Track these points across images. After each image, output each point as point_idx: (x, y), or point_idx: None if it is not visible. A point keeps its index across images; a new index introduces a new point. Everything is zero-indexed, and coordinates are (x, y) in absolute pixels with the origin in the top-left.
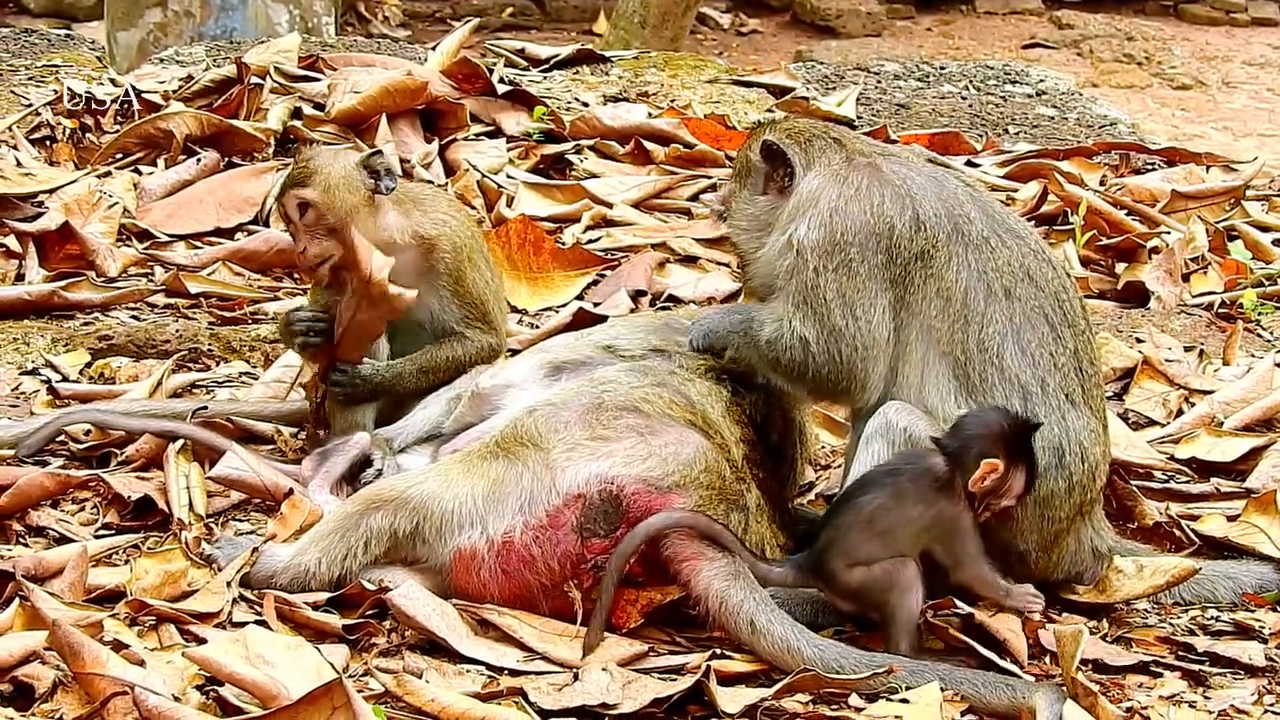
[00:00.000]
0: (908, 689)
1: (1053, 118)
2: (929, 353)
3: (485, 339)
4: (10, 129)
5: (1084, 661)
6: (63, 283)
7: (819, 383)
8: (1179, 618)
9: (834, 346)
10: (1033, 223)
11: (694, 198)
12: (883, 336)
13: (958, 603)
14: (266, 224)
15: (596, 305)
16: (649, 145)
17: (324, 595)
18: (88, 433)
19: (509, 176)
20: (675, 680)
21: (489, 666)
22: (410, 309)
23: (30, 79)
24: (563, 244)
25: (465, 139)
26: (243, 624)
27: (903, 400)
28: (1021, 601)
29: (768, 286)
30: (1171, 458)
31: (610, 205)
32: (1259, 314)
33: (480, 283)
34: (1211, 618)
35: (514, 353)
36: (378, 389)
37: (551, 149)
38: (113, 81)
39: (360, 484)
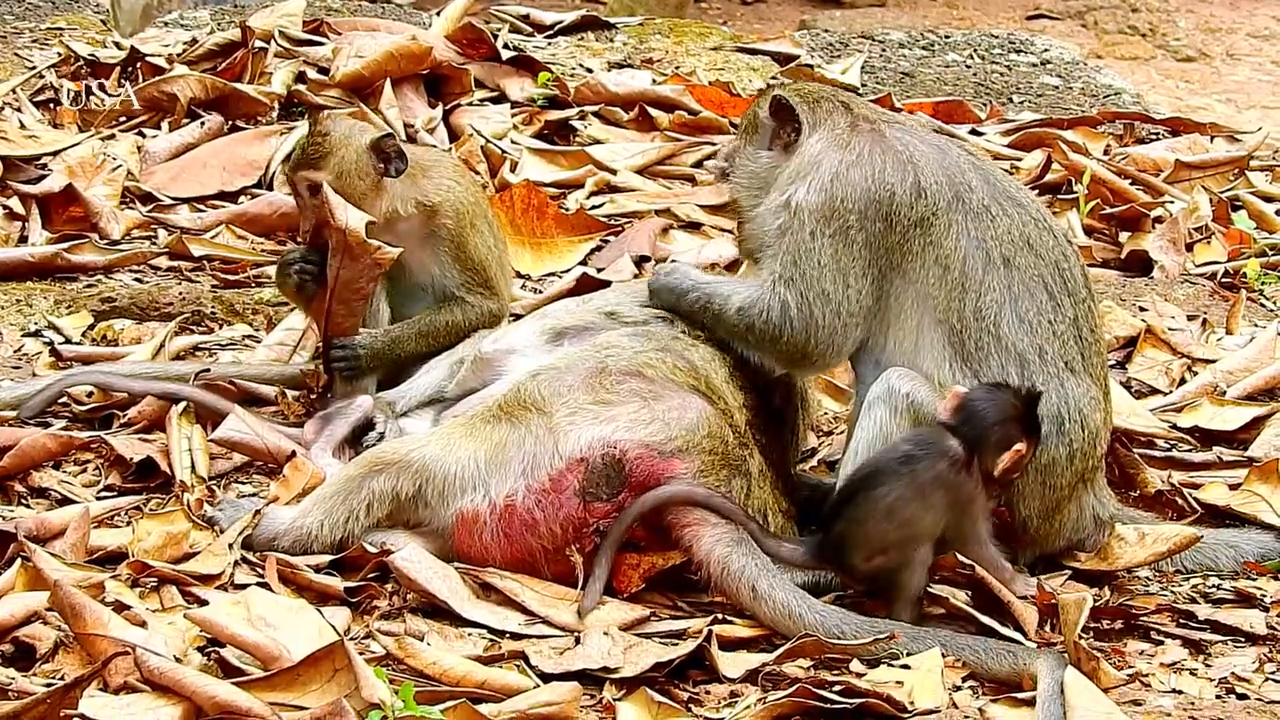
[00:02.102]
0: (909, 655)
1: (1057, 87)
2: (924, 320)
3: (486, 304)
4: (14, 91)
5: (1085, 628)
6: (66, 245)
7: (792, 348)
8: (1180, 585)
9: (818, 310)
10: (1036, 191)
11: (698, 164)
12: (867, 305)
13: (960, 559)
14: (270, 187)
15: (600, 271)
16: (653, 112)
17: (326, 558)
18: (90, 394)
19: (513, 142)
20: (676, 645)
21: (490, 630)
22: (411, 273)
23: (34, 41)
24: (566, 210)
25: (469, 104)
26: (244, 586)
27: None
28: (1021, 587)
29: (759, 245)
30: (1174, 426)
31: (614, 171)
32: (1262, 283)
33: (483, 248)
34: (1213, 586)
35: (517, 318)
36: (378, 356)
37: (556, 115)
38: (117, 44)
39: (363, 447)
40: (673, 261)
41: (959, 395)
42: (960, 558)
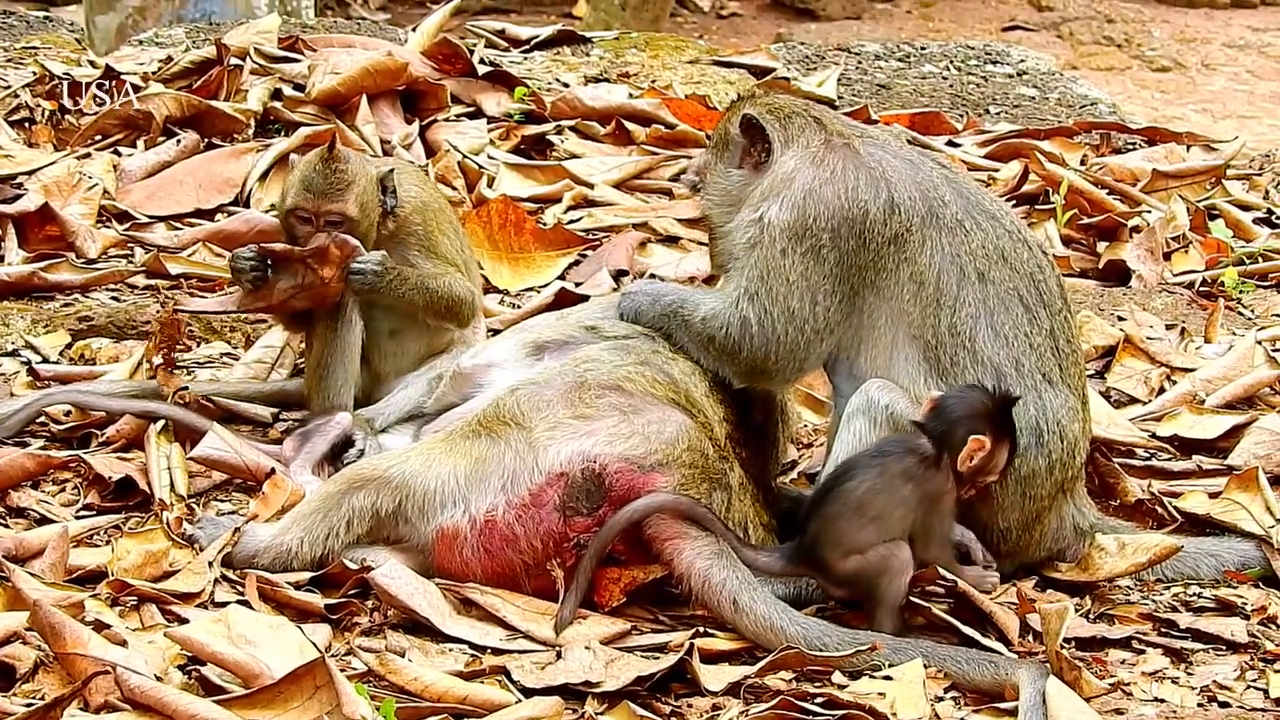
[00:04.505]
0: (891, 666)
1: (1033, 98)
2: (899, 336)
3: (465, 283)
4: None
5: (1067, 638)
6: (42, 264)
7: (752, 363)
8: (1161, 594)
9: (779, 327)
10: (1013, 202)
11: (675, 178)
12: (835, 322)
13: (943, 573)
14: (247, 205)
15: (578, 285)
16: (630, 126)
17: (306, 575)
18: (68, 414)
19: (490, 157)
20: (658, 658)
21: (472, 645)
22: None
23: (9, 61)
24: (544, 224)
25: (446, 120)
26: (225, 604)
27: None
28: (975, 579)
29: (729, 259)
30: (1153, 435)
31: (591, 185)
32: (1240, 292)
33: (452, 249)
34: (1194, 594)
35: (495, 332)
36: (389, 285)
37: (532, 130)
38: (92, 63)
39: (342, 464)
40: (650, 276)
41: (935, 398)
42: (942, 571)
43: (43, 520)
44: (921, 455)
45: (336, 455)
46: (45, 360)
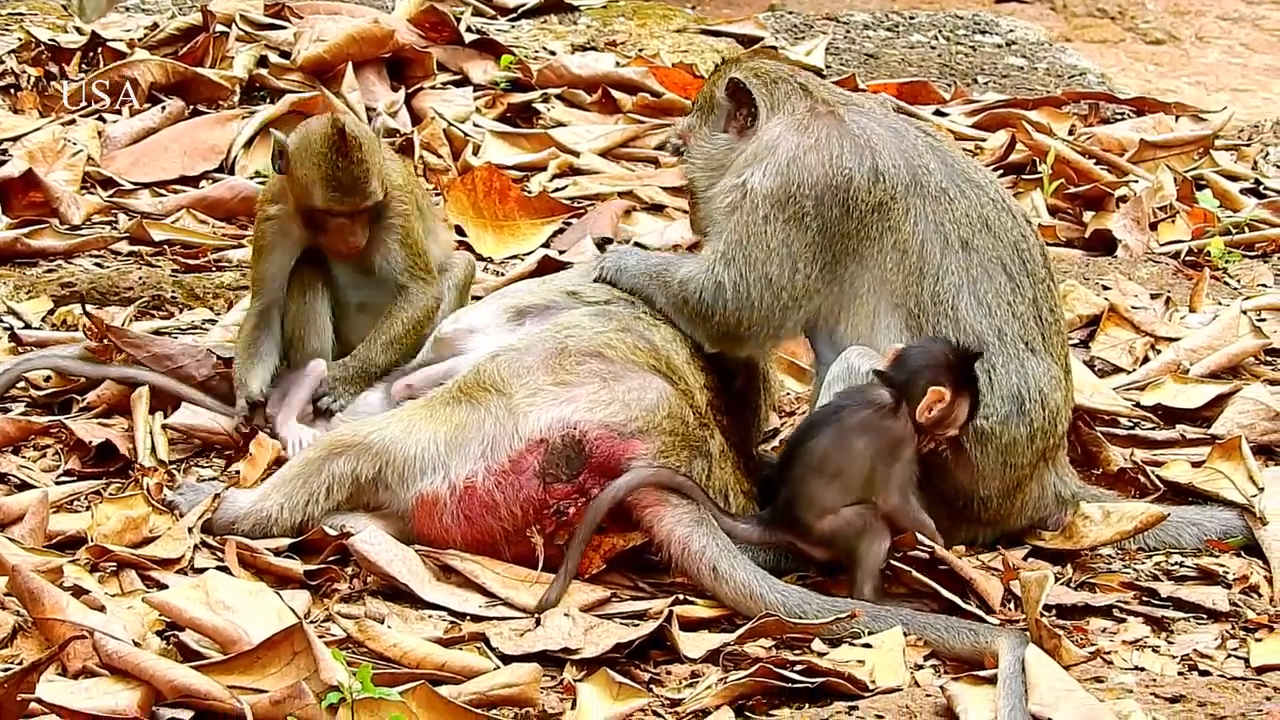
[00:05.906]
0: (871, 634)
1: (1022, 68)
2: (881, 304)
3: (430, 290)
4: None
5: (1048, 606)
6: (26, 230)
7: (724, 327)
8: (1143, 563)
9: (755, 293)
10: (1000, 172)
11: (661, 146)
12: (814, 291)
13: (921, 539)
14: (232, 171)
15: (562, 253)
16: (616, 94)
17: (286, 541)
18: (49, 379)
19: (476, 125)
20: (637, 625)
21: (451, 612)
22: (359, 258)
23: None
24: (529, 192)
25: (432, 88)
26: (204, 570)
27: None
28: (928, 530)
29: (710, 224)
30: (1137, 404)
31: (577, 154)
32: (1226, 262)
33: (424, 232)
34: (1176, 563)
35: (477, 298)
36: (354, 381)
37: (519, 98)
38: (78, 29)
39: (317, 406)
40: (635, 244)
41: (897, 348)
42: (920, 537)
43: (23, 485)
44: (878, 406)
45: (319, 407)
46: (27, 326)
